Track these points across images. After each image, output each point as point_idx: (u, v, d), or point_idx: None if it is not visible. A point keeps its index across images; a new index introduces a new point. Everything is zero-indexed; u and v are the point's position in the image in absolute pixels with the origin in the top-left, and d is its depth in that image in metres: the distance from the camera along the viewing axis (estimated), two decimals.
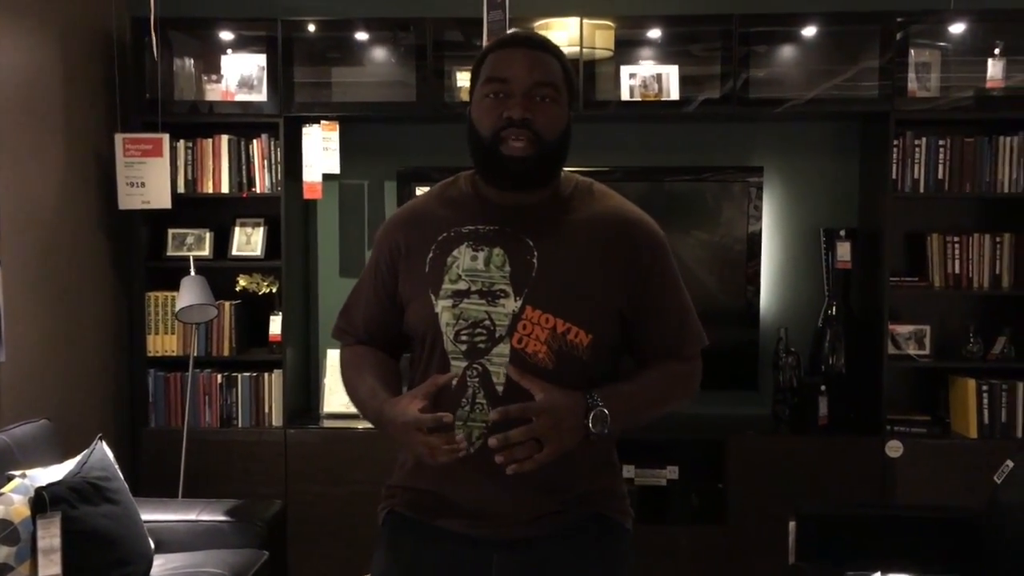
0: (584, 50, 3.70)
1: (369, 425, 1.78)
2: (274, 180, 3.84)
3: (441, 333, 1.66)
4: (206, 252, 3.91)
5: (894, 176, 3.71)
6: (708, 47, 3.91)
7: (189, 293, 3.59)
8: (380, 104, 3.94)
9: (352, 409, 1.84)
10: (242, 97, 3.85)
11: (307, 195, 3.87)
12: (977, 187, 3.74)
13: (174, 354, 3.86)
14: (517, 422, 1.56)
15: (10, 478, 2.63)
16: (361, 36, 3.96)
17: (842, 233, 3.85)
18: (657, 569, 3.62)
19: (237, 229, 3.94)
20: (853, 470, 3.68)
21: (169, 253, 3.91)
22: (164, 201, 3.75)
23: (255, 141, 3.85)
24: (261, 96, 3.82)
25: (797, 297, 4.03)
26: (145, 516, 2.96)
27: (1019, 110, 3.72)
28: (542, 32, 3.61)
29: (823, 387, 3.80)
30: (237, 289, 3.90)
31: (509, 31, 3.05)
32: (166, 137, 3.74)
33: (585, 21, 3.70)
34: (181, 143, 3.84)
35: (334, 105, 3.92)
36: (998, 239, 3.77)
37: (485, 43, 3.12)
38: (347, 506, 3.71)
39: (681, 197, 3.94)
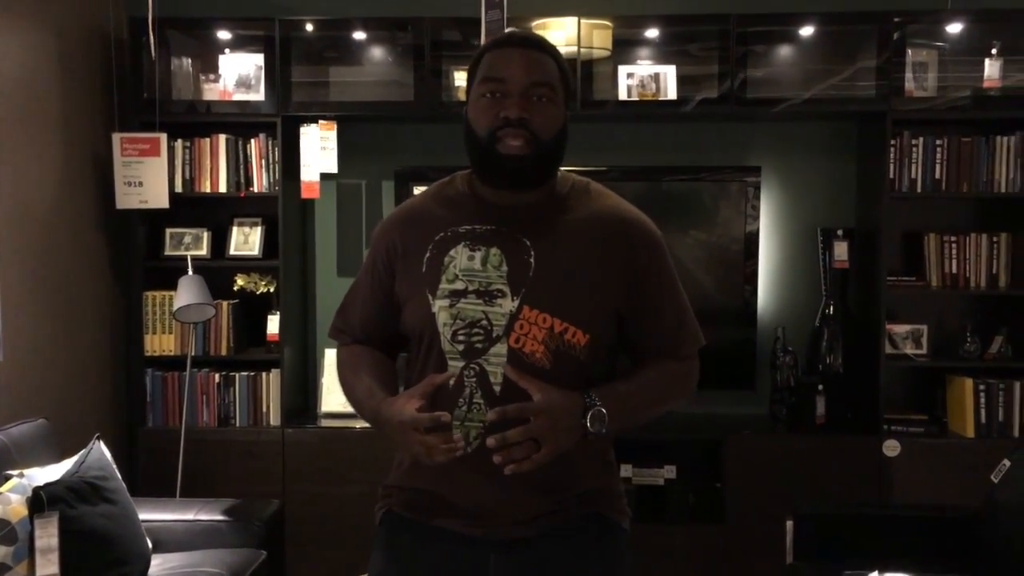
0: (582, 50, 3.70)
1: (367, 425, 1.78)
2: (272, 180, 3.84)
3: (438, 333, 1.66)
4: (204, 252, 3.91)
5: (891, 176, 3.72)
6: (706, 47, 3.91)
7: (187, 293, 3.59)
8: (378, 104, 3.94)
9: (350, 409, 1.83)
10: (240, 97, 3.85)
11: (305, 195, 3.87)
12: (974, 187, 3.75)
13: (172, 354, 3.86)
14: (515, 422, 1.56)
15: (8, 478, 2.63)
16: (359, 36, 3.96)
17: (839, 233, 3.86)
18: (655, 569, 3.62)
19: (235, 229, 3.94)
20: (850, 470, 3.68)
21: (167, 253, 3.91)
22: (162, 201, 3.75)
23: (253, 141, 3.85)
24: (259, 96, 3.82)
25: (794, 297, 4.03)
26: (143, 516, 2.96)
27: (1016, 110, 3.73)
28: (540, 32, 3.61)
29: (820, 387, 3.80)
30: (235, 289, 3.90)
31: (506, 30, 3.05)
32: (164, 137, 3.74)
33: (583, 21, 3.70)
34: (179, 143, 3.84)
35: (332, 105, 3.92)
36: (995, 239, 3.77)
37: (483, 43, 3.12)
38: (345, 506, 3.70)
39: (679, 197, 3.94)
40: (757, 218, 3.90)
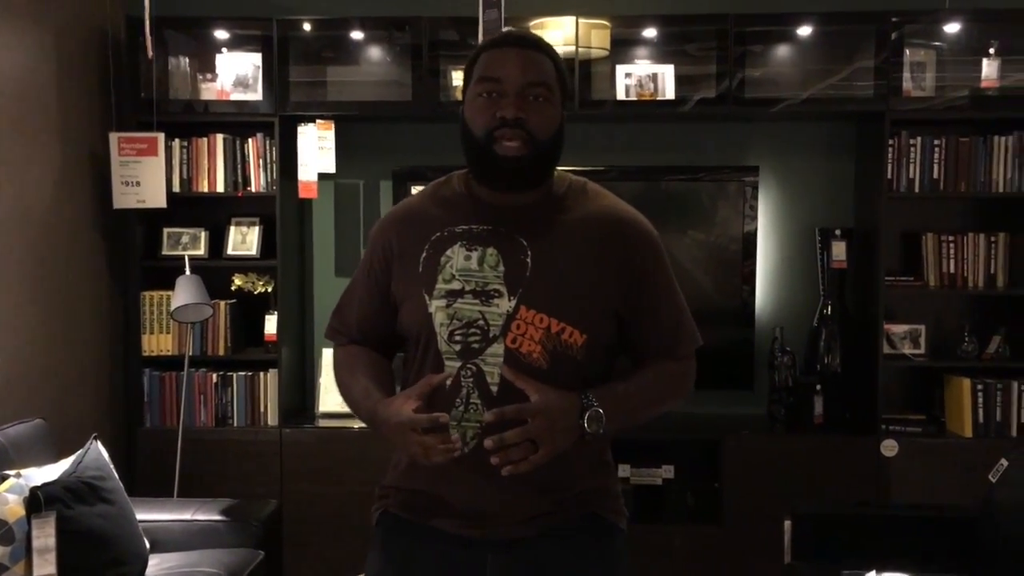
0: (580, 49, 3.70)
1: (364, 425, 1.78)
2: (269, 179, 3.84)
3: (435, 333, 1.66)
4: (201, 251, 3.90)
5: (889, 176, 3.72)
6: (704, 47, 3.91)
7: (184, 292, 3.58)
8: (375, 103, 3.93)
9: (347, 409, 1.83)
10: (237, 96, 3.85)
11: (302, 194, 3.87)
12: (972, 187, 3.75)
13: (169, 353, 3.86)
14: (512, 423, 1.56)
15: (5, 478, 2.63)
16: (356, 35, 3.96)
17: (837, 232, 3.85)
18: (653, 569, 3.62)
19: (232, 228, 3.93)
20: (849, 469, 3.68)
21: (164, 252, 3.91)
22: (159, 200, 3.75)
23: (250, 140, 3.84)
24: (256, 95, 3.82)
25: (792, 297, 4.03)
26: (140, 516, 2.95)
27: (1014, 110, 3.73)
28: (538, 31, 3.61)
29: (818, 386, 3.80)
30: (232, 288, 3.89)
31: (503, 30, 3.04)
32: (161, 136, 3.73)
33: (581, 20, 3.70)
34: (176, 142, 3.83)
35: (329, 104, 3.91)
36: (993, 239, 3.77)
37: (480, 42, 3.12)
38: (343, 506, 3.70)
39: (677, 197, 3.94)
40: (755, 218, 3.90)
